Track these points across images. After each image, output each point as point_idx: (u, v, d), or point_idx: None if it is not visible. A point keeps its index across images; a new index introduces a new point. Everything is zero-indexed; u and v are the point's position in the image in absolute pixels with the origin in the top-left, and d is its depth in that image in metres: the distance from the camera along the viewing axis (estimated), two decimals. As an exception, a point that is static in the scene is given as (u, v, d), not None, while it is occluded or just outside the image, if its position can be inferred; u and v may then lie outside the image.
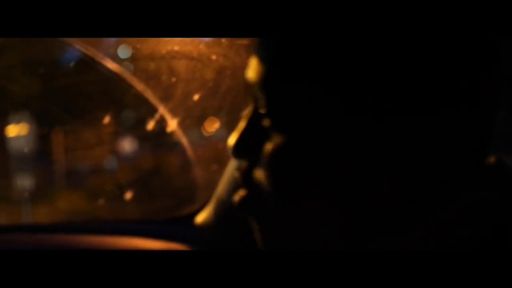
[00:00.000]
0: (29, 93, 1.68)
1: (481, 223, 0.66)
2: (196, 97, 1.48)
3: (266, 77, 0.69)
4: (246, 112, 0.74)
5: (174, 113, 1.52)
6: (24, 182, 3.01)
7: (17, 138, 2.54)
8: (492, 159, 0.72)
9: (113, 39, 1.43)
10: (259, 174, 0.70)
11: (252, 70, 0.71)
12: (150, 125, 1.59)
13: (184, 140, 1.60)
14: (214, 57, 1.32)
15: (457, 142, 0.66)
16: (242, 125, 0.74)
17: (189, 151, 1.60)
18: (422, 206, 0.67)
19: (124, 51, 1.45)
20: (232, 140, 0.74)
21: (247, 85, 0.73)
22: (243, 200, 0.73)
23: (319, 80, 0.66)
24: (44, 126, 2.25)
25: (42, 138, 2.45)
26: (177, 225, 1.58)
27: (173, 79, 1.43)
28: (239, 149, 0.73)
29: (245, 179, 0.72)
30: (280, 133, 0.69)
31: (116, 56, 1.45)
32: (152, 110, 1.53)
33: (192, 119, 1.56)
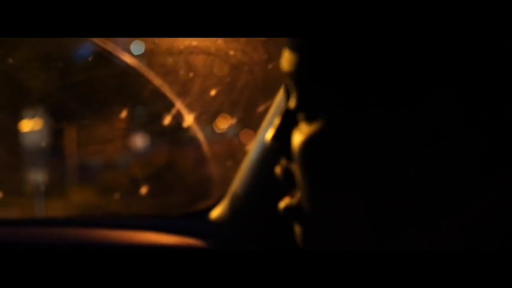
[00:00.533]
0: (45, 88, 1.69)
1: (507, 220, 0.66)
2: (213, 92, 1.48)
3: (301, 68, 0.69)
4: (281, 107, 0.74)
5: (190, 108, 1.53)
6: (38, 176, 3.03)
7: (31, 132, 2.55)
8: None
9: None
10: (296, 169, 0.70)
11: (287, 61, 0.71)
12: (166, 120, 1.59)
13: (199, 136, 1.60)
14: (232, 52, 1.32)
15: (480, 139, 0.66)
16: (276, 122, 0.74)
17: (205, 147, 1.61)
18: (452, 200, 0.67)
19: (137, 47, 1.46)
20: (269, 134, 0.74)
21: (283, 76, 0.73)
22: (290, 206, 0.73)
23: (352, 73, 0.67)
24: (59, 120, 2.26)
25: (57, 132, 2.46)
26: (192, 220, 1.58)
27: (191, 74, 1.43)
28: (276, 143, 0.73)
29: (286, 177, 0.72)
30: (311, 123, 0.69)
31: (129, 52, 1.46)
32: (169, 105, 1.53)
33: (209, 115, 1.57)
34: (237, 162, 1.46)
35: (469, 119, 0.65)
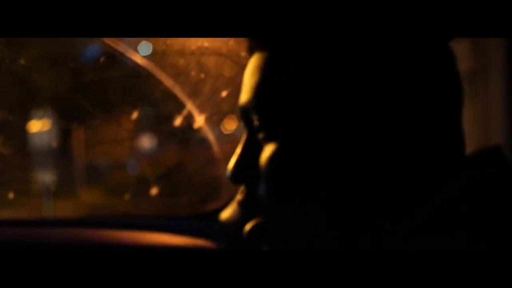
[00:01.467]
0: (55, 88, 1.70)
1: (481, 197, 0.67)
2: (223, 93, 1.48)
3: (258, 89, 0.72)
4: (241, 139, 0.76)
5: (201, 109, 1.53)
6: (47, 176, 3.03)
7: (40, 132, 2.56)
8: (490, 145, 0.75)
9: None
10: (260, 192, 0.72)
11: (245, 89, 0.74)
12: (177, 121, 1.60)
13: (210, 136, 1.60)
14: (243, 53, 1.33)
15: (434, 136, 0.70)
16: (238, 150, 0.76)
17: (215, 147, 1.61)
18: (418, 189, 0.69)
19: (144, 48, 1.46)
20: (230, 166, 0.75)
21: (241, 110, 0.75)
22: (252, 230, 0.75)
23: (308, 84, 0.70)
24: (69, 121, 2.26)
25: (66, 133, 2.47)
26: (201, 221, 1.58)
27: (202, 75, 1.43)
28: (236, 173, 0.74)
29: (247, 203, 0.74)
30: (273, 141, 0.71)
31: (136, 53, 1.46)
32: (180, 106, 1.54)
33: (219, 116, 1.57)
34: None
35: (415, 122, 0.69)
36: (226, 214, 1.54)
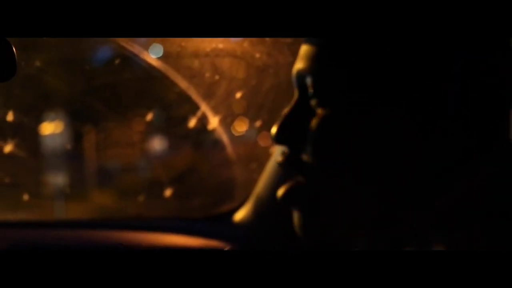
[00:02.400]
0: (70, 91, 1.71)
1: (495, 194, 0.68)
2: (238, 95, 1.48)
3: (318, 56, 0.74)
4: (291, 101, 0.77)
5: (216, 111, 1.53)
6: (60, 178, 3.05)
7: (55, 135, 2.57)
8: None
9: (143, 38, 1.44)
10: (305, 156, 0.73)
11: (303, 57, 0.76)
12: (191, 123, 1.60)
13: (224, 138, 1.61)
14: (257, 55, 1.33)
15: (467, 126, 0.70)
16: (285, 111, 0.78)
17: (229, 149, 1.61)
18: (444, 180, 0.70)
19: (156, 50, 1.46)
20: (276, 127, 0.77)
21: (297, 75, 0.77)
22: (290, 191, 0.75)
23: (361, 62, 0.72)
24: (83, 123, 2.28)
25: (80, 135, 2.48)
26: (215, 223, 1.58)
27: (216, 77, 1.44)
28: (282, 134, 0.76)
29: (289, 164, 0.75)
30: (326, 107, 0.73)
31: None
32: (194, 108, 1.54)
33: (234, 117, 1.57)
34: (262, 164, 1.46)
35: (458, 114, 0.69)
36: (239, 216, 1.54)
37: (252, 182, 1.49)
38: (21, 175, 2.05)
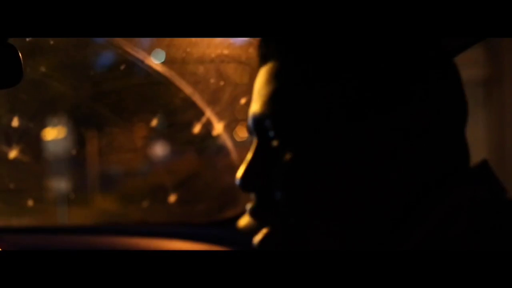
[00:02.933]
0: (76, 97, 1.71)
1: (470, 218, 0.67)
2: (243, 101, 1.49)
3: (274, 98, 0.72)
4: (251, 147, 0.76)
5: (220, 116, 1.53)
6: (62, 184, 3.05)
7: (59, 140, 2.58)
8: (478, 161, 0.75)
9: (147, 43, 1.45)
10: (275, 199, 0.72)
11: (259, 99, 0.74)
12: (196, 128, 1.60)
13: (228, 143, 1.61)
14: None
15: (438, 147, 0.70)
16: (248, 158, 0.76)
17: (234, 154, 1.61)
18: (416, 206, 0.70)
19: (158, 55, 1.46)
20: (240, 173, 0.75)
21: (254, 118, 0.75)
22: (267, 238, 0.74)
23: (324, 92, 0.70)
24: (88, 128, 2.28)
25: (85, 140, 2.49)
26: (219, 228, 1.58)
27: (221, 83, 1.44)
28: (247, 181, 0.74)
29: (260, 210, 0.74)
30: (289, 149, 0.71)
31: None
32: (199, 114, 1.54)
33: (238, 123, 1.57)
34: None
35: (417, 136, 0.69)
36: (243, 221, 1.54)
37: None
38: (25, 180, 2.05)
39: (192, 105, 1.49)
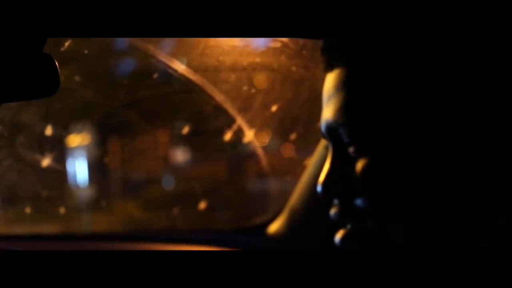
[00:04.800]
0: (109, 105, 1.73)
1: None
2: (274, 108, 1.49)
3: (347, 106, 0.73)
4: (329, 154, 0.76)
5: (251, 123, 1.54)
6: (94, 191, 3.07)
7: (93, 148, 2.60)
8: None
9: (181, 52, 1.45)
10: (357, 202, 0.73)
11: (331, 107, 0.75)
12: (227, 135, 1.61)
13: (259, 151, 1.61)
14: (294, 68, 1.34)
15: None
16: (327, 165, 0.77)
17: (264, 161, 1.62)
18: (490, 204, 0.70)
19: (186, 60, 1.46)
20: (321, 181, 0.77)
21: (327, 126, 0.76)
22: (351, 238, 0.75)
23: (394, 92, 0.71)
24: (122, 136, 2.30)
25: (119, 148, 2.51)
26: (249, 235, 1.59)
27: (253, 90, 1.45)
28: (329, 189, 0.76)
29: (344, 214, 0.75)
30: (365, 155, 0.73)
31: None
32: (230, 121, 1.55)
33: (269, 130, 1.58)
34: (296, 176, 1.47)
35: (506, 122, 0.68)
36: (273, 228, 1.54)
37: (287, 194, 1.50)
38: (56, 188, 2.07)
39: (223, 112, 1.50)
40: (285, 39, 1.18)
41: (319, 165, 1.38)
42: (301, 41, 1.18)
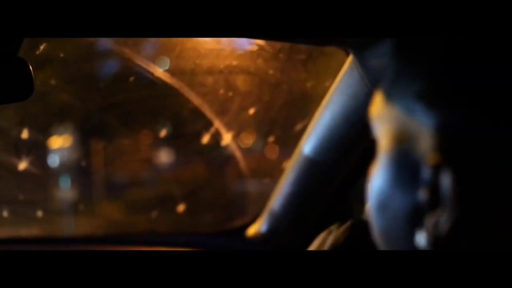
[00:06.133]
0: (85, 108, 1.72)
1: None
2: (252, 111, 1.49)
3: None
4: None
5: (229, 126, 1.54)
6: (72, 194, 3.05)
7: (68, 149, 2.58)
8: None
9: (157, 55, 1.45)
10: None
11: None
12: (205, 138, 1.61)
13: (237, 153, 1.61)
14: (271, 71, 1.34)
15: None
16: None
17: (242, 164, 1.62)
18: None
19: (162, 63, 1.46)
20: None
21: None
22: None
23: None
24: (99, 139, 2.29)
25: (97, 151, 2.50)
26: (229, 237, 1.59)
27: (230, 94, 1.45)
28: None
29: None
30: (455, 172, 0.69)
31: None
32: (208, 124, 1.55)
33: (247, 133, 1.58)
34: (274, 179, 1.47)
35: None
36: (252, 230, 1.54)
37: (265, 197, 1.50)
38: (34, 191, 2.06)
39: (201, 115, 1.50)
40: (261, 42, 1.18)
41: (300, 168, 1.38)
42: (277, 44, 1.19)
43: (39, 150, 1.96)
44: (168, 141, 2.08)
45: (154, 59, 1.39)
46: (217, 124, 1.53)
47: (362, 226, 0.76)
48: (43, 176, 2.24)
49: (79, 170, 2.75)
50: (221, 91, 1.43)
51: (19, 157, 1.73)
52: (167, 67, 1.42)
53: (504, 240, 0.68)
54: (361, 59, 1.16)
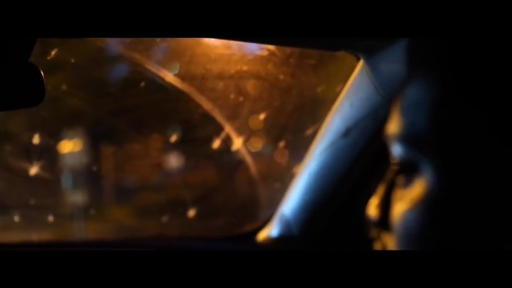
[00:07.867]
0: (97, 113, 1.73)
1: None
2: (262, 116, 1.49)
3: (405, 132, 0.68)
4: (387, 176, 0.73)
5: (240, 131, 1.54)
6: (80, 197, 3.06)
7: (78, 154, 2.59)
8: None
9: (168, 60, 1.45)
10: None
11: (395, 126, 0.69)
12: (216, 143, 1.61)
13: (248, 158, 1.61)
14: (281, 76, 1.34)
15: None
16: (381, 191, 0.72)
17: (253, 169, 1.62)
18: None
19: (173, 68, 1.46)
20: (373, 210, 0.72)
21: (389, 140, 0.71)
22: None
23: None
24: (110, 144, 2.30)
25: (108, 156, 2.50)
26: (239, 242, 1.59)
27: (241, 98, 1.45)
28: (385, 220, 0.70)
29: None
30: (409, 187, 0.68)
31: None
32: (218, 129, 1.55)
33: (258, 138, 1.58)
34: (285, 184, 1.47)
35: None
36: (263, 235, 1.54)
37: (276, 202, 1.50)
38: (45, 196, 2.06)
39: (212, 120, 1.50)
40: (271, 47, 1.18)
41: (312, 173, 1.38)
42: (288, 49, 1.19)
43: (50, 155, 1.97)
44: (178, 146, 2.08)
45: (164, 64, 1.40)
46: (228, 128, 1.53)
47: None
48: (54, 181, 2.25)
49: (90, 174, 2.75)
50: (232, 96, 1.44)
51: (30, 162, 1.74)
52: (177, 72, 1.42)
53: (502, 240, 0.68)
54: (371, 64, 1.16)
